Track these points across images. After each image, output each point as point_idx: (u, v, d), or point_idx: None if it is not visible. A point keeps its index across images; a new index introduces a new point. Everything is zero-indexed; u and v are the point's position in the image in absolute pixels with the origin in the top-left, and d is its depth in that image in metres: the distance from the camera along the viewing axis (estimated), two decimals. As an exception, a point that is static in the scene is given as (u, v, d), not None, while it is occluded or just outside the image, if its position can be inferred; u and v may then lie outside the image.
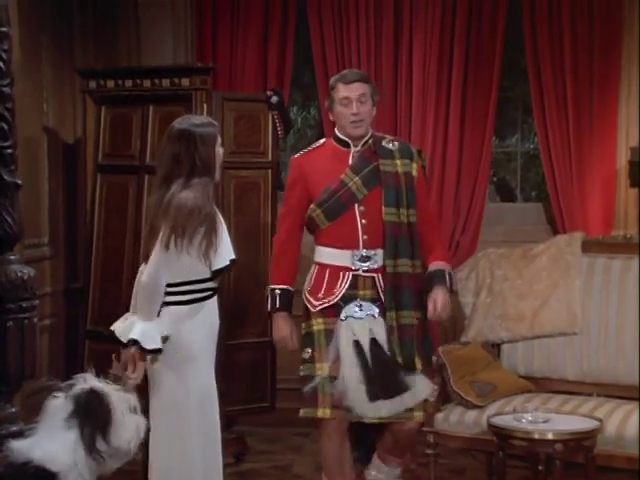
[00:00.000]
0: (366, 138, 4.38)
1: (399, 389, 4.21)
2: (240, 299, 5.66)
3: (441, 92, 6.19)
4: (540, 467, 4.36)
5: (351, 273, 4.30)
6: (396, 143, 4.45)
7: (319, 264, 4.40)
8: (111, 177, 5.88)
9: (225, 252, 3.84)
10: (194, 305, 3.78)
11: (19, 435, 3.54)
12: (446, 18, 6.15)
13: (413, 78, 6.23)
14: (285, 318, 4.42)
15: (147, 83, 5.67)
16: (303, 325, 4.40)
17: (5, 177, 3.94)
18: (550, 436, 4.30)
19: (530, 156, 6.94)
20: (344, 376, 4.19)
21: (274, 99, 5.68)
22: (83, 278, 6.03)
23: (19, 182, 4.02)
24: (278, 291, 4.39)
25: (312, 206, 4.36)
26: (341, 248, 4.31)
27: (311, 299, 4.36)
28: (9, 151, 3.96)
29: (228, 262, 3.84)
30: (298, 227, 4.44)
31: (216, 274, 3.83)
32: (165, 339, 3.72)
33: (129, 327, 3.75)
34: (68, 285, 6.27)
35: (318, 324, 4.31)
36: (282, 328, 4.41)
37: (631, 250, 5.34)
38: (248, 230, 5.67)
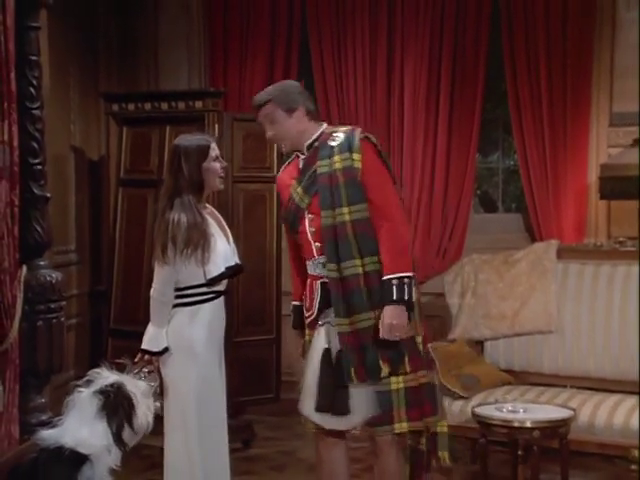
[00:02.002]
0: (310, 141, 3.77)
1: (343, 410, 3.64)
2: (248, 300, 5.65)
3: (430, 114, 6.19)
4: (519, 452, 4.34)
5: (319, 281, 3.73)
6: (340, 136, 3.72)
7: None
8: (131, 190, 5.87)
9: (220, 261, 3.74)
10: (193, 307, 3.74)
11: (48, 423, 3.55)
12: (434, 49, 6.15)
13: (405, 102, 6.23)
14: (293, 336, 4.00)
15: (164, 106, 5.67)
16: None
17: (35, 191, 3.95)
18: (528, 424, 4.28)
19: (510, 171, 6.92)
20: (306, 381, 3.72)
21: (279, 120, 5.67)
22: (106, 281, 6.03)
23: (48, 195, 4.03)
24: (291, 307, 3.99)
25: None
26: (306, 258, 3.79)
27: (304, 310, 3.88)
28: (39, 167, 3.97)
29: (223, 269, 3.75)
30: (296, 244, 3.90)
31: (212, 281, 3.74)
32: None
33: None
34: (93, 288, 6.28)
35: (306, 335, 3.87)
36: (289, 345, 4.07)
37: (601, 257, 5.35)
38: (255, 237, 5.66)
